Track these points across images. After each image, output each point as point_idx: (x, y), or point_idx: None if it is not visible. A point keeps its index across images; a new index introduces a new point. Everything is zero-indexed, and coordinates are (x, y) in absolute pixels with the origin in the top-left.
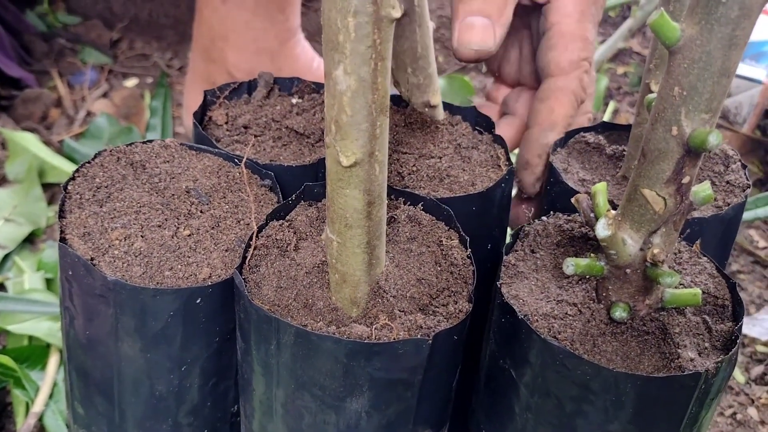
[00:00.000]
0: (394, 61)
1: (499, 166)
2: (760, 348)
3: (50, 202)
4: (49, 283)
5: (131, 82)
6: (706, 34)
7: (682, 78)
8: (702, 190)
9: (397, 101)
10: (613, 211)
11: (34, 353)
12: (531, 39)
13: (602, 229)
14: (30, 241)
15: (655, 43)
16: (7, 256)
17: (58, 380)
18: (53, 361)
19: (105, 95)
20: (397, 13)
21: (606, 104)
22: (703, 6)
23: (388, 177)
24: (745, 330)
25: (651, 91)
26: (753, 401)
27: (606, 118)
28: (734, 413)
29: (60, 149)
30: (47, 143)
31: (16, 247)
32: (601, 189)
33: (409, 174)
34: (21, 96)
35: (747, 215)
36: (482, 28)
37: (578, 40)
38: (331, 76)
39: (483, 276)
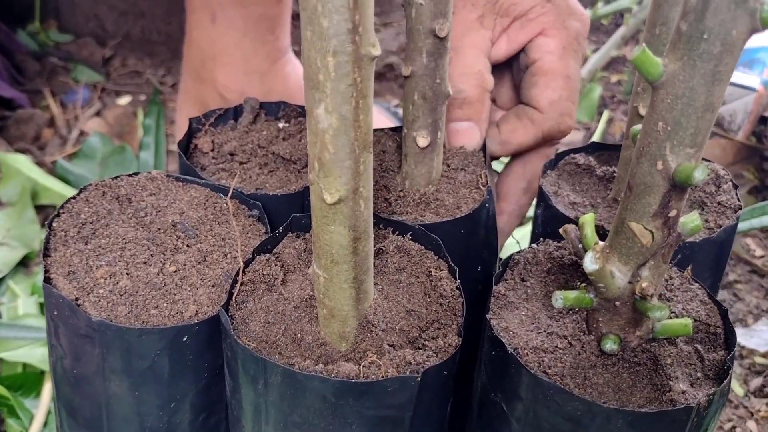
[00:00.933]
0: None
1: (479, 187)
2: (759, 359)
3: (43, 224)
4: (43, 307)
5: (124, 100)
6: (689, 70)
7: (666, 113)
8: (690, 221)
9: (393, 128)
10: (601, 243)
11: (29, 381)
12: (512, 72)
13: (590, 263)
14: (24, 264)
15: None
16: (0, 280)
17: (53, 408)
18: (48, 388)
19: (98, 114)
20: (376, 51)
21: (600, 113)
22: (684, 42)
23: (375, 203)
24: (742, 341)
25: (639, 115)
26: (752, 414)
27: (600, 127)
28: (733, 427)
29: (53, 170)
30: (40, 164)
31: (10, 270)
32: (588, 221)
33: (396, 200)
34: (14, 117)
35: (742, 225)
36: (467, 131)
37: (560, 78)
38: (313, 115)
39: (474, 298)
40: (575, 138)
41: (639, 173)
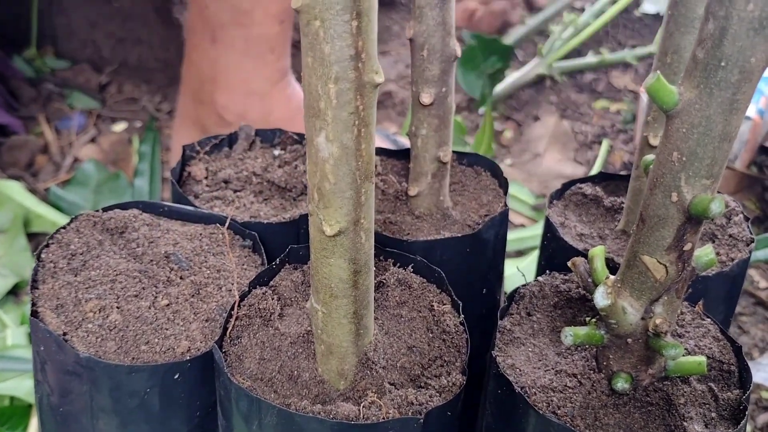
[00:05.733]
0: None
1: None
2: (765, 395)
3: (35, 252)
4: None
5: (120, 127)
6: (706, 99)
7: (681, 143)
8: (704, 254)
9: (399, 156)
10: (612, 277)
11: (16, 414)
12: None
13: (601, 298)
14: (14, 293)
15: None
16: None
17: None
18: (35, 422)
19: (93, 140)
20: (380, 79)
21: (599, 143)
22: (701, 70)
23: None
24: None
25: (649, 145)
26: None
27: (600, 156)
28: None
29: (46, 197)
30: (33, 191)
31: (0, 299)
32: (598, 254)
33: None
34: (7, 143)
35: None
36: None
37: None
38: (313, 143)
39: (476, 320)
40: (576, 171)
41: (652, 205)
